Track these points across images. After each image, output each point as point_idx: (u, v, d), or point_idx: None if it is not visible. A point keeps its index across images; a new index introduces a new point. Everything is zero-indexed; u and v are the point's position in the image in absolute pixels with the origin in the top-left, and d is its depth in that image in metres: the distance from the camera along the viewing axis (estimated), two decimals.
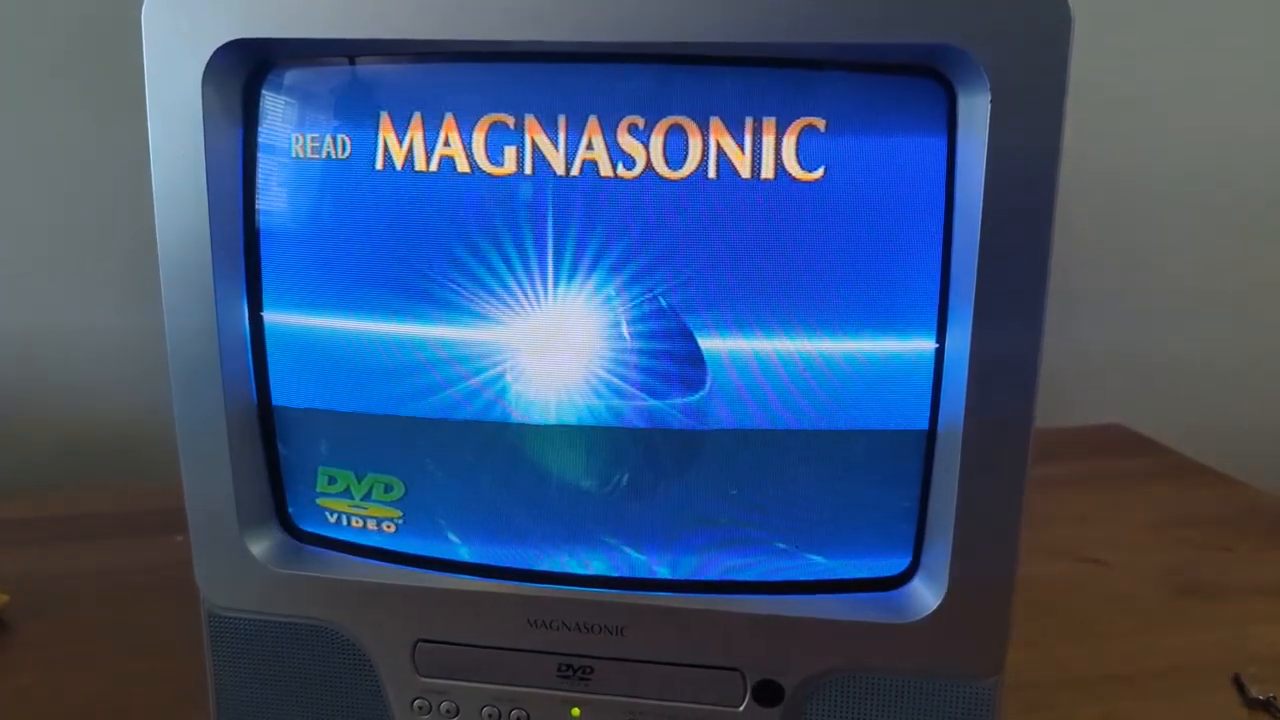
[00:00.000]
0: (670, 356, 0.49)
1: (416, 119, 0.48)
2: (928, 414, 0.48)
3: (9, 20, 0.95)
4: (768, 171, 0.46)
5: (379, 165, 0.49)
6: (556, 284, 0.49)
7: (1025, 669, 0.68)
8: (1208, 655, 0.73)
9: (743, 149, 0.46)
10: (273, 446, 0.54)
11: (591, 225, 0.48)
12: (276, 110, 0.50)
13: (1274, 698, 0.67)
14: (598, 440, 0.51)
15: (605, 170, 0.47)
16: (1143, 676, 0.70)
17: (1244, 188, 1.18)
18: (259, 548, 0.54)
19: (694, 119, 0.46)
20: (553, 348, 0.49)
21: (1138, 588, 0.83)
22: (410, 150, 0.48)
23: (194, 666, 0.58)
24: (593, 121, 0.47)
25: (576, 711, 0.54)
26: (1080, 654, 0.73)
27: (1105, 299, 1.19)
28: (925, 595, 0.50)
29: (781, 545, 0.51)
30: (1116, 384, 1.21)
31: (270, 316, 0.52)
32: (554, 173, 0.47)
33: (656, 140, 0.47)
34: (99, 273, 1.01)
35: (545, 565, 0.53)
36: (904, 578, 0.51)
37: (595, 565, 0.53)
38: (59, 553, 0.87)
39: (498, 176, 0.48)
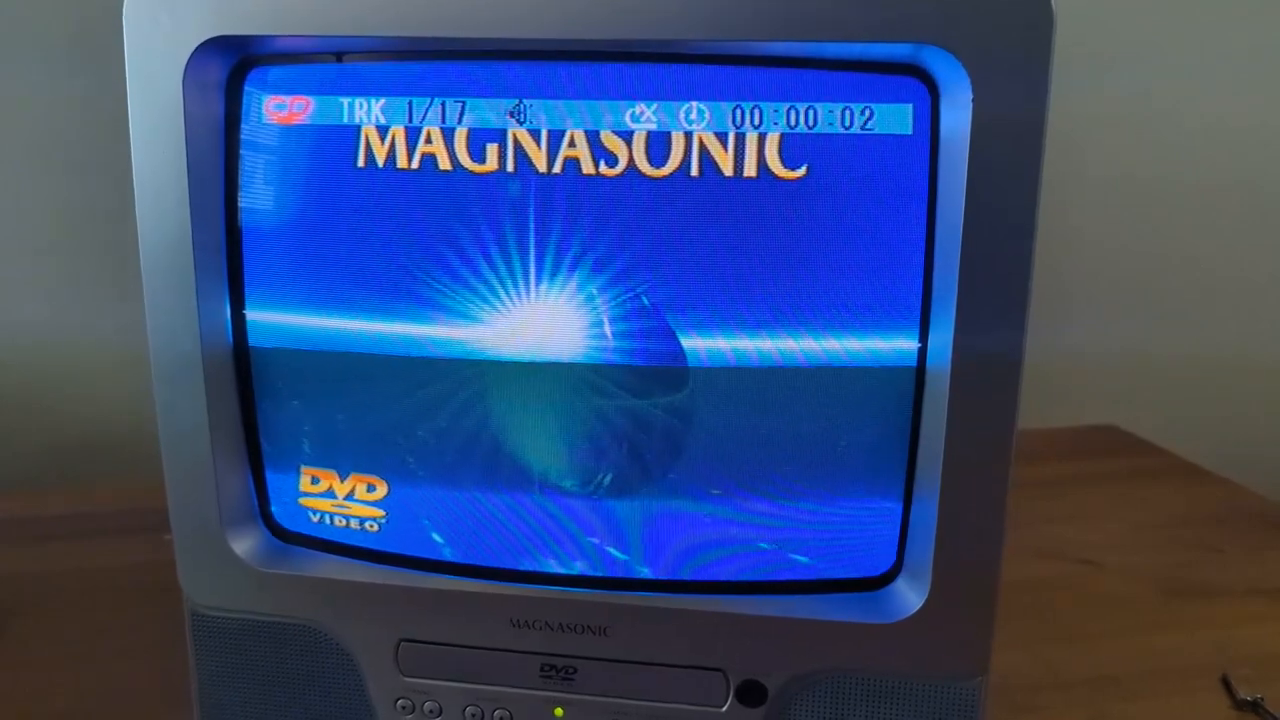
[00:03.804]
0: (652, 354, 0.49)
1: (398, 116, 0.48)
2: (910, 410, 0.48)
3: (6, 21, 0.95)
4: (750, 170, 0.46)
5: (360, 163, 0.49)
6: (539, 282, 0.48)
7: (1014, 670, 0.68)
8: (1197, 656, 0.72)
9: (725, 147, 0.46)
10: (255, 445, 0.54)
11: (574, 223, 0.48)
12: (258, 107, 0.49)
13: (1262, 699, 0.66)
14: (579, 439, 0.50)
15: (587, 168, 0.47)
16: (1132, 678, 0.70)
17: (1244, 187, 1.18)
18: (242, 547, 0.54)
19: (676, 117, 0.46)
20: (534, 345, 0.49)
21: (1129, 589, 0.82)
22: (392, 148, 0.48)
23: (184, 667, 0.57)
24: (575, 119, 0.47)
25: (560, 711, 0.54)
26: (1070, 655, 0.73)
27: (1100, 300, 1.18)
28: (909, 595, 0.50)
29: (765, 545, 0.51)
30: (1111, 385, 1.21)
31: (253, 314, 0.52)
32: (536, 170, 0.47)
33: (639, 138, 0.46)
34: (95, 271, 1.00)
35: (528, 565, 0.53)
36: (888, 578, 0.51)
37: (578, 565, 0.53)
38: (49, 552, 0.87)
39: (479, 174, 0.48)
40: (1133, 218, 1.17)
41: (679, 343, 0.48)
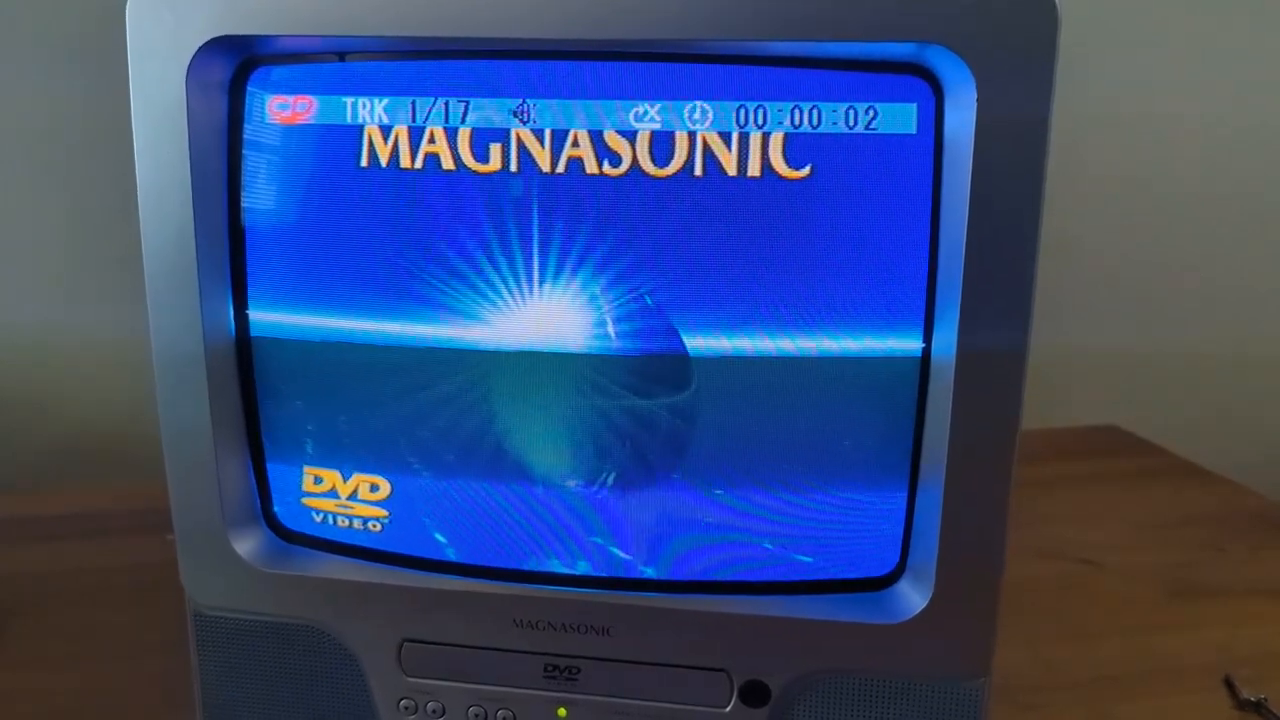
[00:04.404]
0: (656, 354, 0.48)
1: (401, 116, 0.48)
2: (914, 410, 0.48)
3: (6, 21, 0.94)
4: (754, 169, 0.46)
5: (363, 163, 0.49)
6: (542, 282, 0.48)
7: (1015, 670, 0.68)
8: (1198, 656, 0.72)
9: (729, 147, 0.46)
10: (258, 445, 0.54)
11: (577, 223, 0.48)
12: (260, 107, 0.49)
13: (1265, 699, 0.67)
14: (583, 438, 0.50)
15: (591, 168, 0.47)
16: (1132, 678, 0.70)
17: (1244, 188, 1.18)
18: (244, 547, 0.54)
19: (680, 116, 0.46)
20: (538, 345, 0.49)
21: (1131, 589, 0.82)
22: (395, 148, 0.48)
23: (185, 667, 0.57)
24: (579, 118, 0.47)
25: (563, 712, 0.54)
26: (1071, 655, 0.73)
27: (1100, 300, 1.18)
28: (912, 596, 0.50)
29: (768, 545, 0.51)
30: (1111, 385, 1.21)
31: (256, 315, 0.52)
32: (539, 170, 0.47)
33: (642, 138, 0.46)
34: (96, 271, 1.00)
35: (531, 565, 0.53)
36: (891, 578, 0.51)
37: (581, 565, 0.53)
38: (49, 552, 0.86)
39: (483, 174, 0.48)
40: (1133, 217, 1.17)
41: (682, 342, 0.48)
